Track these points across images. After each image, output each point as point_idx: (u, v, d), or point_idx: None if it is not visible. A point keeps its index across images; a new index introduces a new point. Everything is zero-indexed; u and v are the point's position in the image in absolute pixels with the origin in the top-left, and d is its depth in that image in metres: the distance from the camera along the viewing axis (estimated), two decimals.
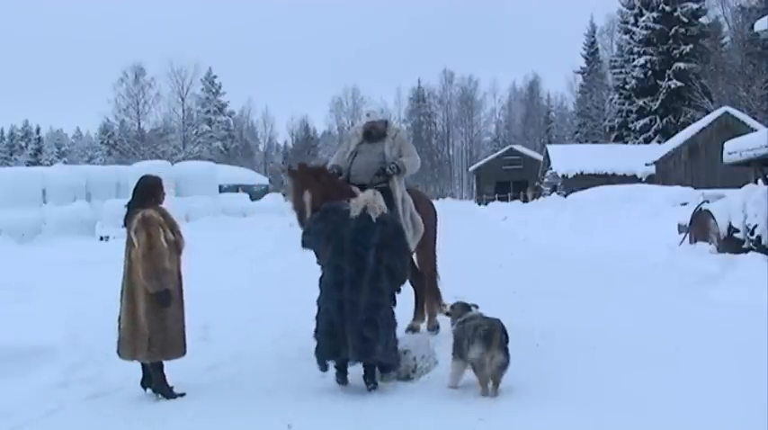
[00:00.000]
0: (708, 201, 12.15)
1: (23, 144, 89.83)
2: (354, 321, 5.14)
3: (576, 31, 74.67)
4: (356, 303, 5.17)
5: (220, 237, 15.87)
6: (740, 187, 11.65)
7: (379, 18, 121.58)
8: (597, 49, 68.71)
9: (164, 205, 5.44)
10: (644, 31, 49.73)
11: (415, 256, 7.29)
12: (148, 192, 5.37)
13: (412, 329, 7.21)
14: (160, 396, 5.27)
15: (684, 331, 6.89)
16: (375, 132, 6.85)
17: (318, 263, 5.63)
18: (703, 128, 37.93)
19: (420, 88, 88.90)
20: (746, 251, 9.95)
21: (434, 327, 7.34)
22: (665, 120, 48.94)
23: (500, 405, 4.85)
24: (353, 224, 5.38)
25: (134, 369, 5.42)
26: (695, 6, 49.11)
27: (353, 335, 5.12)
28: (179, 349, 5.36)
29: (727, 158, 13.77)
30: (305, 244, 5.70)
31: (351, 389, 5.38)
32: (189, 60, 72.41)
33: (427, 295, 7.42)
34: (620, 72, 52.95)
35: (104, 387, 5.50)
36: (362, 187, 6.54)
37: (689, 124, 42.31)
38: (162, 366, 5.32)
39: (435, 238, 7.61)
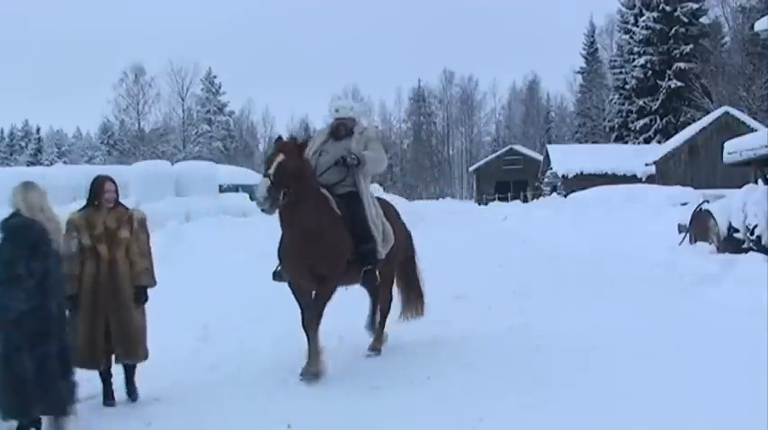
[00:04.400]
0: (708, 201, 12.16)
1: (23, 144, 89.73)
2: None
3: (576, 31, 74.79)
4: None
5: (220, 237, 15.86)
6: (740, 187, 11.65)
7: (379, 18, 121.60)
8: (597, 49, 68.70)
9: (110, 204, 5.19)
10: (644, 31, 49.70)
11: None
12: (91, 192, 5.23)
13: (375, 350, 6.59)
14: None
15: (684, 331, 6.88)
16: (343, 129, 6.40)
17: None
18: (703, 128, 37.94)
19: (420, 88, 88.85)
20: (746, 251, 9.95)
21: (376, 350, 6.62)
22: (664, 120, 48.93)
23: (500, 405, 4.85)
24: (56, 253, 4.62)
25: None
26: (695, 6, 49.09)
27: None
28: (87, 361, 4.99)
29: (727, 158, 13.76)
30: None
31: (351, 389, 5.38)
32: (189, 60, 72.89)
33: (381, 314, 6.78)
34: (620, 72, 52.94)
35: None
36: (328, 189, 6.07)
37: (689, 124, 42.30)
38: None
39: (411, 258, 7.00)
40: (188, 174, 22.62)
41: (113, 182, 5.29)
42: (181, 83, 72.24)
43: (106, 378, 5.21)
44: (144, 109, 69.70)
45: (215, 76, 72.89)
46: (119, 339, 5.08)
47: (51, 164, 63.68)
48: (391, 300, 6.87)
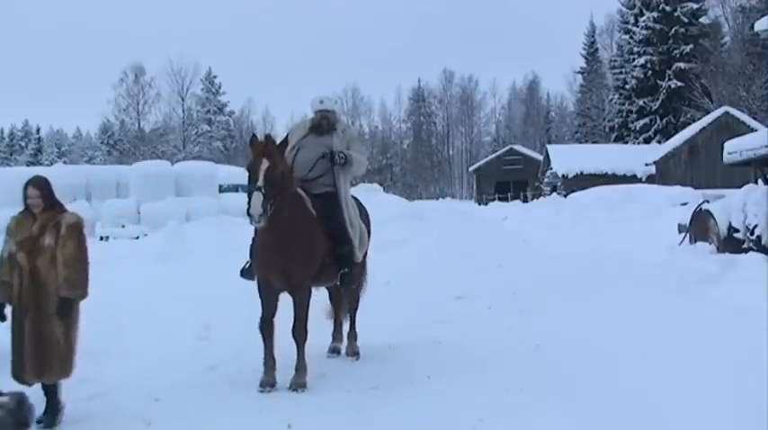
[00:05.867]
0: (708, 201, 12.14)
1: (23, 144, 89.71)
2: None
3: (576, 30, 74.86)
4: None
5: (220, 237, 15.85)
6: (740, 187, 11.64)
7: (378, 18, 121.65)
8: (597, 49, 68.72)
9: (36, 210, 4.78)
10: (644, 31, 49.75)
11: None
12: None
13: (335, 351, 6.62)
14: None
15: (684, 331, 6.89)
16: (326, 124, 6.16)
17: None
18: (703, 128, 37.99)
19: (420, 88, 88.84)
20: (746, 251, 9.94)
21: (354, 353, 6.58)
22: (665, 121, 48.97)
23: (500, 405, 4.85)
24: None
25: (133, 369, 5.41)
26: (695, 6, 49.15)
27: None
28: (18, 377, 4.66)
29: (727, 158, 13.75)
30: None
31: (351, 389, 5.38)
32: (189, 60, 72.67)
33: (351, 313, 6.75)
34: (620, 72, 53.00)
35: (104, 387, 5.49)
36: (305, 186, 5.86)
37: (689, 124, 42.35)
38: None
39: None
40: (188, 174, 22.64)
41: (39, 186, 4.80)
42: (181, 83, 72.25)
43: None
44: (144, 109, 69.77)
45: (215, 76, 72.91)
46: (30, 354, 4.61)
47: (51, 164, 63.70)
48: (359, 298, 6.78)
